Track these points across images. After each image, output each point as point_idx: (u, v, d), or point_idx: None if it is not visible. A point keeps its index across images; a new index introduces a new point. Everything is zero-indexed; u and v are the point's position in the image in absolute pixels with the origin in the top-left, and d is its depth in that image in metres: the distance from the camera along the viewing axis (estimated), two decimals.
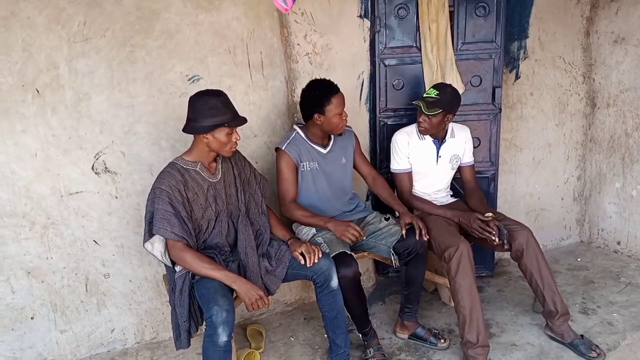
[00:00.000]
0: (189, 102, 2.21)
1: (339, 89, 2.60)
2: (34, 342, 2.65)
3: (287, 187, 2.66)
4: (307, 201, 2.70)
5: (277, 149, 2.67)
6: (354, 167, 2.89)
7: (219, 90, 2.25)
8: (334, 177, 2.74)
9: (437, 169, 2.90)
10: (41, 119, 2.45)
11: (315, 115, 2.58)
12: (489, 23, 3.17)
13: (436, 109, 2.66)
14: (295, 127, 2.73)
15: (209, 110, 2.15)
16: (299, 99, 3.02)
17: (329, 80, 2.62)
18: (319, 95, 2.57)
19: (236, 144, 2.28)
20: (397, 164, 2.91)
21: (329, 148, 2.73)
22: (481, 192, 2.97)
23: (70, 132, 2.52)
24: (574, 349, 2.59)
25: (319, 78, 2.67)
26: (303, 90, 2.66)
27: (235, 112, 2.24)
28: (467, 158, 2.97)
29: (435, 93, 2.68)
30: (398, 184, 2.93)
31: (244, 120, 2.26)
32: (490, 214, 2.62)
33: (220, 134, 2.19)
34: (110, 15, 2.49)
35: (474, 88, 3.25)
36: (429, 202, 2.87)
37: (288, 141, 2.64)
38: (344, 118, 2.63)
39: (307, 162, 2.66)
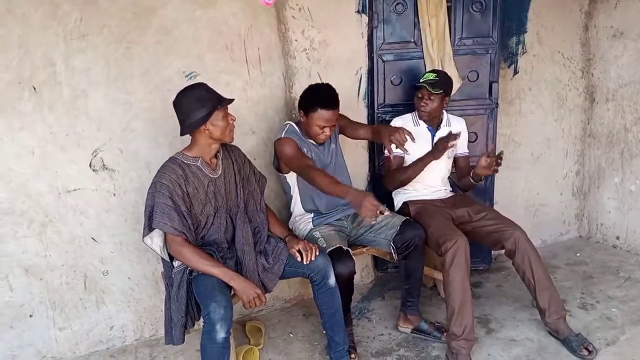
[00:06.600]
0: (174, 105, 2.21)
1: (333, 106, 2.54)
2: (32, 340, 2.65)
3: (300, 158, 2.54)
4: (307, 193, 2.70)
5: (276, 141, 2.62)
6: (355, 138, 2.88)
7: (197, 83, 2.26)
8: (329, 169, 2.71)
9: None
10: (38, 116, 2.45)
11: (301, 112, 2.60)
12: (486, 18, 3.17)
13: (438, 89, 2.75)
14: (288, 122, 2.73)
15: (198, 102, 2.15)
16: (297, 95, 3.02)
17: (333, 92, 2.55)
18: (310, 98, 2.56)
19: (234, 125, 2.28)
20: None
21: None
22: None
23: (68, 129, 2.51)
24: (566, 345, 2.58)
25: (328, 85, 2.60)
26: (309, 86, 2.64)
27: (220, 95, 2.23)
28: (463, 149, 3.02)
29: (433, 76, 2.78)
30: (386, 166, 2.93)
31: (231, 99, 2.26)
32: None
33: (218, 119, 2.19)
34: (106, 11, 2.49)
35: (471, 83, 3.25)
36: (411, 166, 2.80)
37: (284, 131, 2.62)
38: (325, 132, 2.59)
39: (306, 151, 2.63)
